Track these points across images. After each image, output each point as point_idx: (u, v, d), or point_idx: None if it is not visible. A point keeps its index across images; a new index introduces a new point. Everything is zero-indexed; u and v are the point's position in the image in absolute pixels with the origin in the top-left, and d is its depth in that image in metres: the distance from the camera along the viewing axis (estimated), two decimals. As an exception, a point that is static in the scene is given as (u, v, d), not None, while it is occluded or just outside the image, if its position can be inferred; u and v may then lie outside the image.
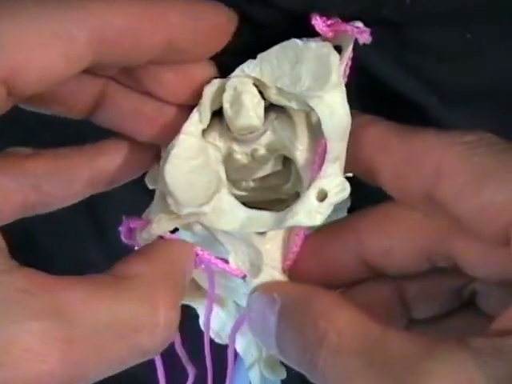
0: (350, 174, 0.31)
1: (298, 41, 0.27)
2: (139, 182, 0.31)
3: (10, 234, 0.35)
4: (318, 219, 0.27)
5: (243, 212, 0.29)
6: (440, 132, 0.27)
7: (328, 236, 0.29)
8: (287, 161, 0.30)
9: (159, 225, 0.29)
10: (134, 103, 0.28)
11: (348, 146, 0.28)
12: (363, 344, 0.24)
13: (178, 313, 0.24)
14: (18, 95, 0.24)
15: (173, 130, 0.28)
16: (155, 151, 0.30)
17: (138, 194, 0.31)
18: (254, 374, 0.35)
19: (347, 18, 0.27)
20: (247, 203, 0.31)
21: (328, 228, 0.30)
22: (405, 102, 0.30)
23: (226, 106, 0.28)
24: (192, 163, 0.28)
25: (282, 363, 0.35)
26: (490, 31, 0.29)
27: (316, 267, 0.29)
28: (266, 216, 0.28)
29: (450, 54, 0.30)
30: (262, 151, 0.29)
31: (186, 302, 0.35)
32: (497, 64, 0.30)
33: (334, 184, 0.27)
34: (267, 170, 0.30)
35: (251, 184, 0.31)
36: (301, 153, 0.29)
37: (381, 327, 0.24)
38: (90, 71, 0.26)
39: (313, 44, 0.27)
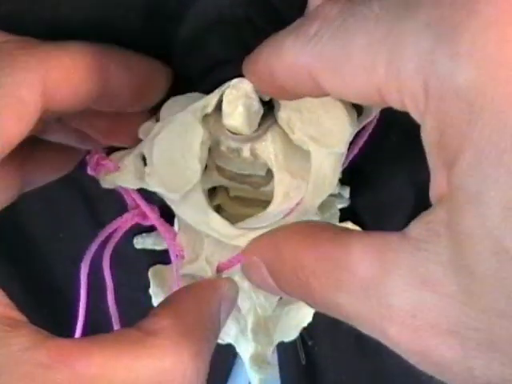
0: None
1: None
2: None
3: (8, 234, 0.35)
4: None
5: (205, 213, 0.29)
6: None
7: None
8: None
9: (127, 178, 0.30)
10: None
11: None
12: None
13: (204, 361, 0.24)
14: None
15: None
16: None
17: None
18: (254, 375, 0.35)
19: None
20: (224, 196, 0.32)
21: None
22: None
23: (225, 103, 0.28)
24: (181, 142, 0.28)
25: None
26: None
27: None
28: (225, 225, 0.29)
29: None
30: (245, 153, 0.29)
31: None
32: None
33: None
34: (249, 170, 0.30)
35: (234, 174, 0.31)
36: (280, 171, 0.29)
37: None
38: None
39: (339, 104, 0.27)
